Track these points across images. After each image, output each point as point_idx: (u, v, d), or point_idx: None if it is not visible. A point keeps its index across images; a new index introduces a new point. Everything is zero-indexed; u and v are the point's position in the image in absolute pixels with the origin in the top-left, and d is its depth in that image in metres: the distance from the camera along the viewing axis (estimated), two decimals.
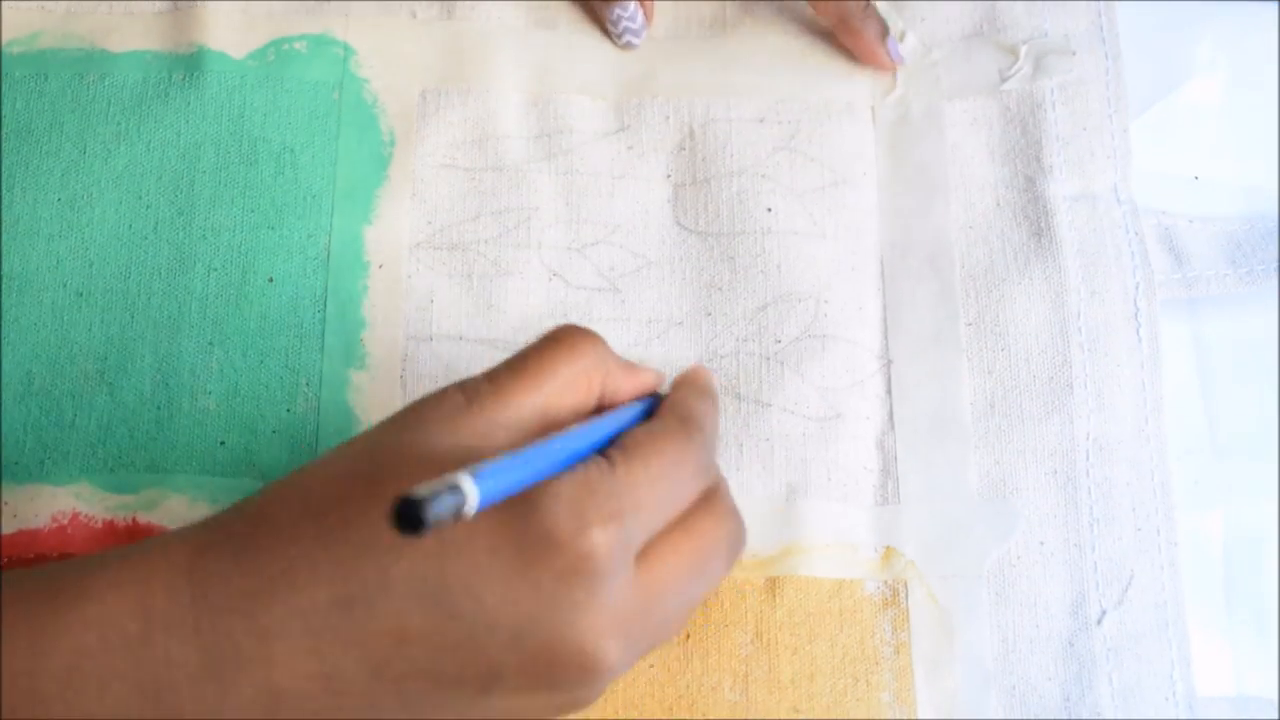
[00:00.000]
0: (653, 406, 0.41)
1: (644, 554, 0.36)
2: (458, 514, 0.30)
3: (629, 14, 0.53)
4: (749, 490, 0.48)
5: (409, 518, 0.29)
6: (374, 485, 0.35)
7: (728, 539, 0.39)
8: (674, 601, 0.37)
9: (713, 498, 0.39)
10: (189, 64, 0.52)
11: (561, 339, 0.39)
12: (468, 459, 0.34)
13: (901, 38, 0.54)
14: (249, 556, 0.35)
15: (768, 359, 0.49)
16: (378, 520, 0.34)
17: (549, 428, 0.38)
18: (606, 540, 0.34)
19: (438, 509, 0.29)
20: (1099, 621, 0.46)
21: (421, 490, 0.29)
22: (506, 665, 0.34)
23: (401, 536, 0.29)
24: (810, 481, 0.48)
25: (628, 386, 0.40)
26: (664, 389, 0.42)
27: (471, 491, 0.30)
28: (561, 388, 0.38)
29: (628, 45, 0.53)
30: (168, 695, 0.34)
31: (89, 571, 0.36)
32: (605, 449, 0.37)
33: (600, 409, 0.40)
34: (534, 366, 0.38)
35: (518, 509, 0.34)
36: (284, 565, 0.34)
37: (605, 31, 0.54)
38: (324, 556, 0.34)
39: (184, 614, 0.34)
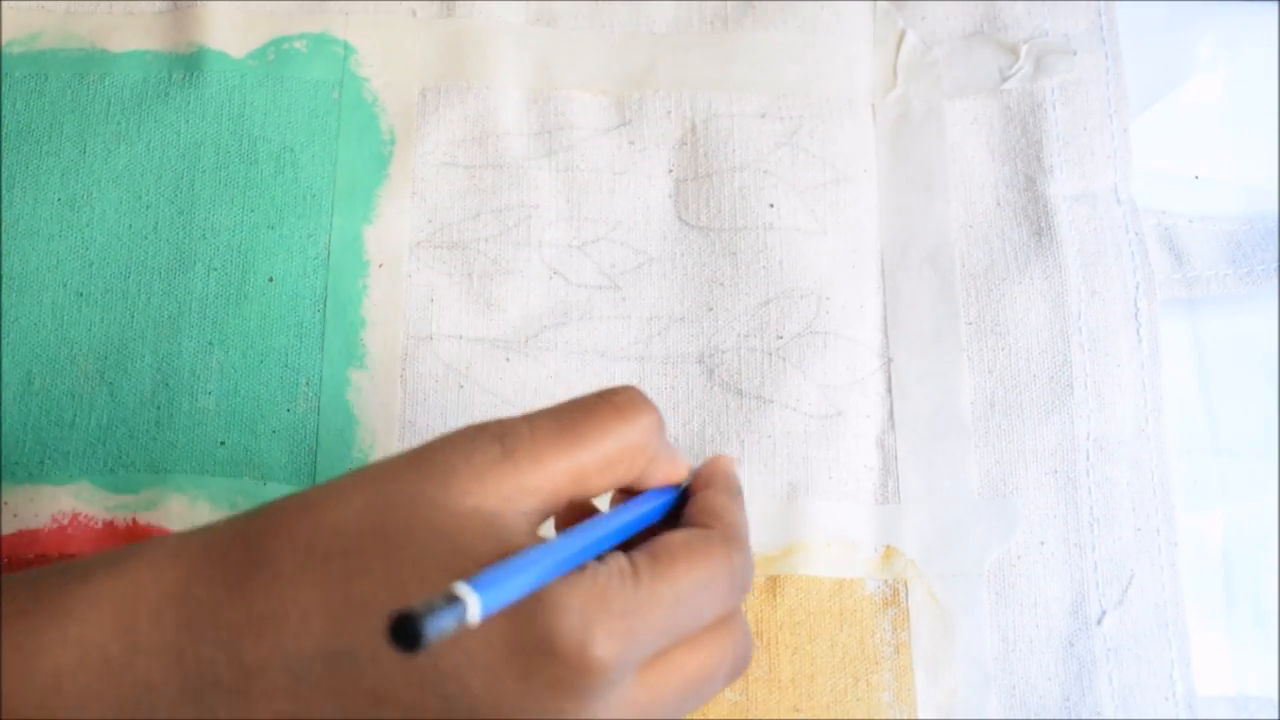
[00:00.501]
0: (677, 498, 0.38)
1: (646, 664, 0.34)
2: (460, 626, 0.28)
3: None
4: (750, 488, 0.48)
5: (406, 634, 0.27)
6: (383, 543, 0.33)
7: (733, 662, 0.36)
8: (665, 714, 0.35)
9: (729, 616, 0.36)
10: (189, 64, 0.52)
11: (619, 404, 0.36)
12: (487, 531, 0.32)
13: (902, 37, 0.54)
14: (241, 591, 0.33)
15: (769, 355, 0.49)
16: (379, 582, 0.33)
17: (578, 497, 0.36)
18: (610, 656, 0.32)
19: (436, 625, 0.27)
20: (1099, 621, 0.46)
21: (419, 607, 0.27)
22: None
23: (398, 653, 0.27)
24: (811, 480, 0.48)
25: (661, 473, 0.38)
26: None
27: (473, 604, 0.29)
28: (603, 461, 0.35)
29: None
30: (146, 718, 0.34)
31: (72, 585, 0.34)
32: (632, 554, 0.34)
33: (629, 490, 0.38)
34: (581, 427, 0.35)
35: (524, 607, 0.32)
36: (276, 607, 0.33)
37: None
38: (318, 608, 0.33)
39: (168, 640, 0.33)
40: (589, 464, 0.35)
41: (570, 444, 0.35)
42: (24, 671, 0.34)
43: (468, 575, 0.30)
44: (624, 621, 0.32)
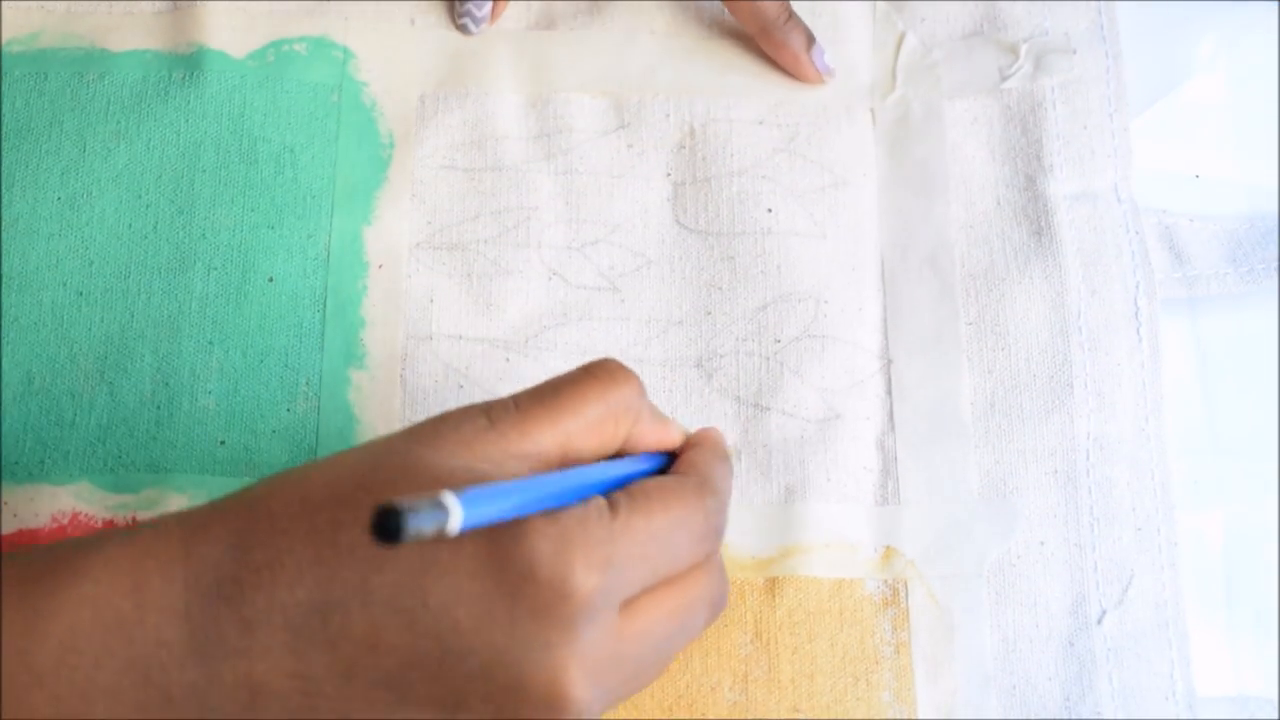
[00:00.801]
0: (666, 463, 0.40)
1: (628, 602, 0.35)
2: (439, 531, 0.29)
3: (480, 8, 0.53)
4: (749, 491, 0.48)
5: (387, 527, 0.28)
6: (370, 491, 0.34)
7: (711, 598, 0.38)
8: (652, 653, 0.36)
9: (707, 560, 0.38)
10: (189, 63, 0.52)
11: (598, 374, 0.38)
12: (474, 482, 0.33)
13: (901, 39, 0.54)
14: (240, 544, 0.35)
15: (767, 359, 0.49)
16: (365, 527, 0.34)
17: (567, 463, 0.37)
18: (589, 585, 0.33)
19: (417, 522, 0.28)
20: (1099, 621, 0.46)
21: (404, 502, 0.28)
22: (473, 693, 0.34)
23: (378, 544, 0.28)
24: (810, 481, 0.48)
25: (652, 437, 0.39)
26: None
27: (456, 510, 0.29)
28: (587, 426, 0.37)
29: (463, 29, 0.53)
30: (157, 675, 0.34)
31: (86, 551, 0.36)
32: (611, 493, 0.36)
33: (620, 455, 0.39)
34: (564, 398, 0.37)
35: (505, 538, 0.33)
36: (270, 557, 0.34)
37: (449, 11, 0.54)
38: (309, 555, 0.34)
39: (176, 596, 0.34)
40: (573, 429, 0.37)
41: (553, 411, 0.37)
42: (41, 630, 0.34)
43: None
44: (601, 551, 0.33)
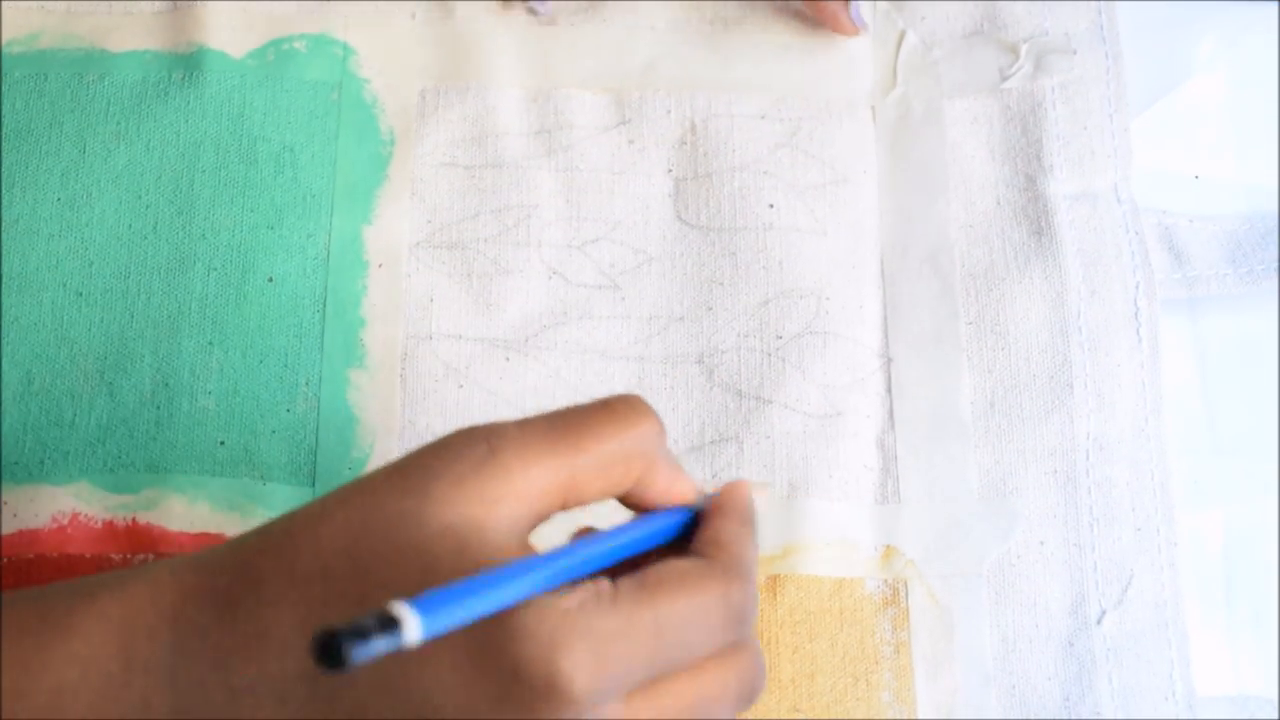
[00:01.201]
0: (684, 524, 0.36)
1: (635, 692, 0.32)
2: (396, 648, 0.27)
3: None
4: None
5: (329, 655, 0.26)
6: (355, 565, 0.33)
7: (739, 691, 0.34)
8: None
9: (738, 645, 0.34)
10: (188, 64, 0.52)
11: (616, 409, 0.34)
12: (462, 547, 0.32)
13: (902, 37, 0.54)
14: (229, 613, 0.34)
15: (769, 355, 0.49)
16: (353, 604, 0.32)
17: (571, 504, 0.34)
18: (581, 683, 0.30)
19: (363, 649, 0.26)
20: (1099, 621, 0.46)
21: (343, 626, 0.26)
22: None
23: (323, 673, 0.27)
24: (811, 480, 0.48)
25: (663, 486, 0.36)
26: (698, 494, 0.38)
27: (412, 624, 0.27)
28: (596, 466, 0.34)
29: (531, 11, 0.53)
30: None
31: (78, 602, 0.35)
32: (620, 577, 0.32)
33: (627, 500, 0.36)
34: (575, 431, 0.34)
35: (488, 629, 0.31)
36: (261, 629, 0.33)
37: None
38: (299, 631, 0.33)
39: (163, 661, 0.34)
40: (580, 467, 0.34)
41: (561, 445, 0.34)
42: (27, 688, 0.34)
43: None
44: (597, 646, 0.31)
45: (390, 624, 0.27)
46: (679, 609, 0.32)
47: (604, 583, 0.32)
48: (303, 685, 0.33)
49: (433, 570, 0.32)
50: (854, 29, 0.53)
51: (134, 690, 0.34)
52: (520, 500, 0.33)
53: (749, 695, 0.34)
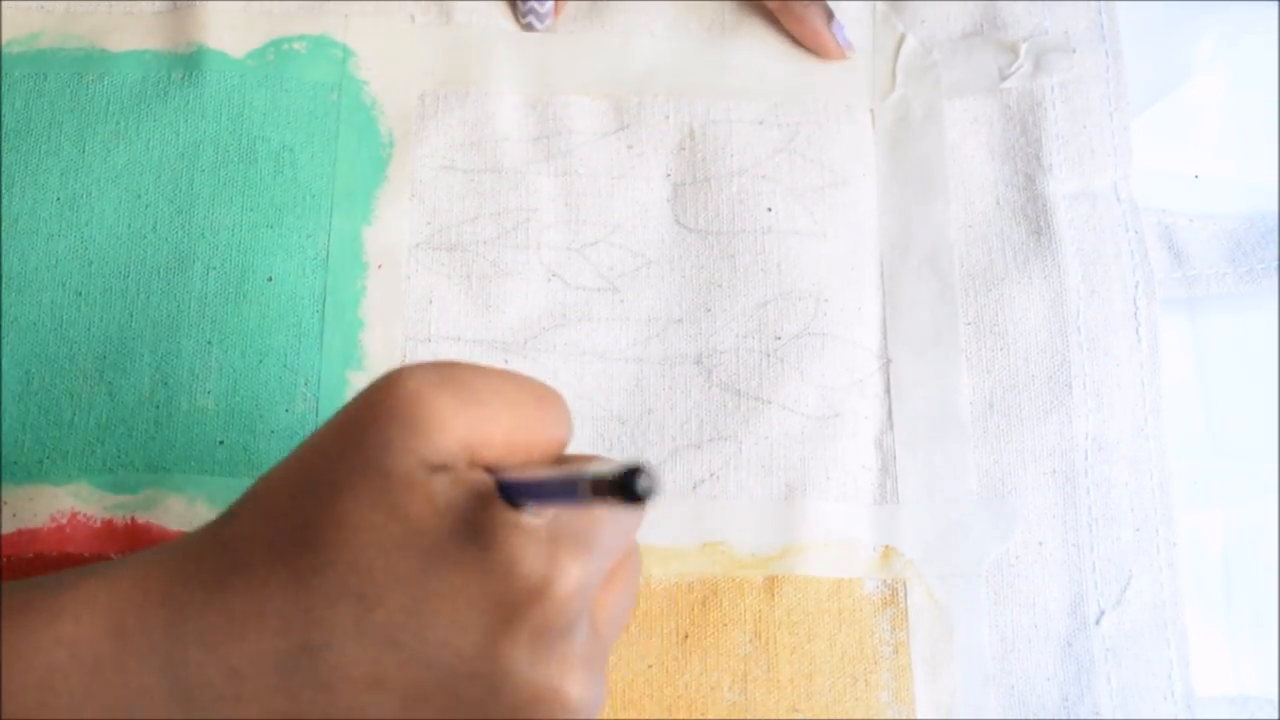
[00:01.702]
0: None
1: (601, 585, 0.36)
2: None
3: (543, 5, 0.53)
4: (748, 488, 0.48)
5: (627, 488, 0.29)
6: (336, 531, 0.33)
7: (639, 563, 0.38)
8: (615, 629, 0.37)
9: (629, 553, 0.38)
10: (188, 63, 0.52)
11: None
12: (429, 489, 0.33)
13: (901, 40, 0.54)
14: (221, 594, 0.34)
15: (768, 355, 0.49)
16: (341, 573, 0.33)
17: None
18: (578, 588, 0.33)
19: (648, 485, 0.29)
20: (1098, 621, 0.46)
21: (633, 467, 0.29)
22: (480, 715, 0.34)
23: (628, 506, 0.29)
24: (809, 480, 0.48)
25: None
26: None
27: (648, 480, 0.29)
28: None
29: (528, 26, 0.53)
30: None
31: (63, 589, 0.35)
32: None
33: None
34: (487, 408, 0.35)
35: (490, 558, 0.33)
36: (255, 607, 0.33)
37: (512, 10, 0.54)
38: (294, 604, 0.33)
39: (156, 643, 0.34)
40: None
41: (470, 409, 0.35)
42: (20, 670, 0.34)
43: (422, 550, 0.32)
44: (584, 546, 0.33)
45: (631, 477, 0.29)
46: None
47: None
48: (305, 657, 0.33)
49: (408, 515, 0.33)
50: (840, 52, 0.53)
51: (128, 673, 0.34)
52: (463, 452, 0.34)
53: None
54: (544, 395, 0.36)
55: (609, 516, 0.34)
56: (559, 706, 0.34)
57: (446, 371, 0.34)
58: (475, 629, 0.33)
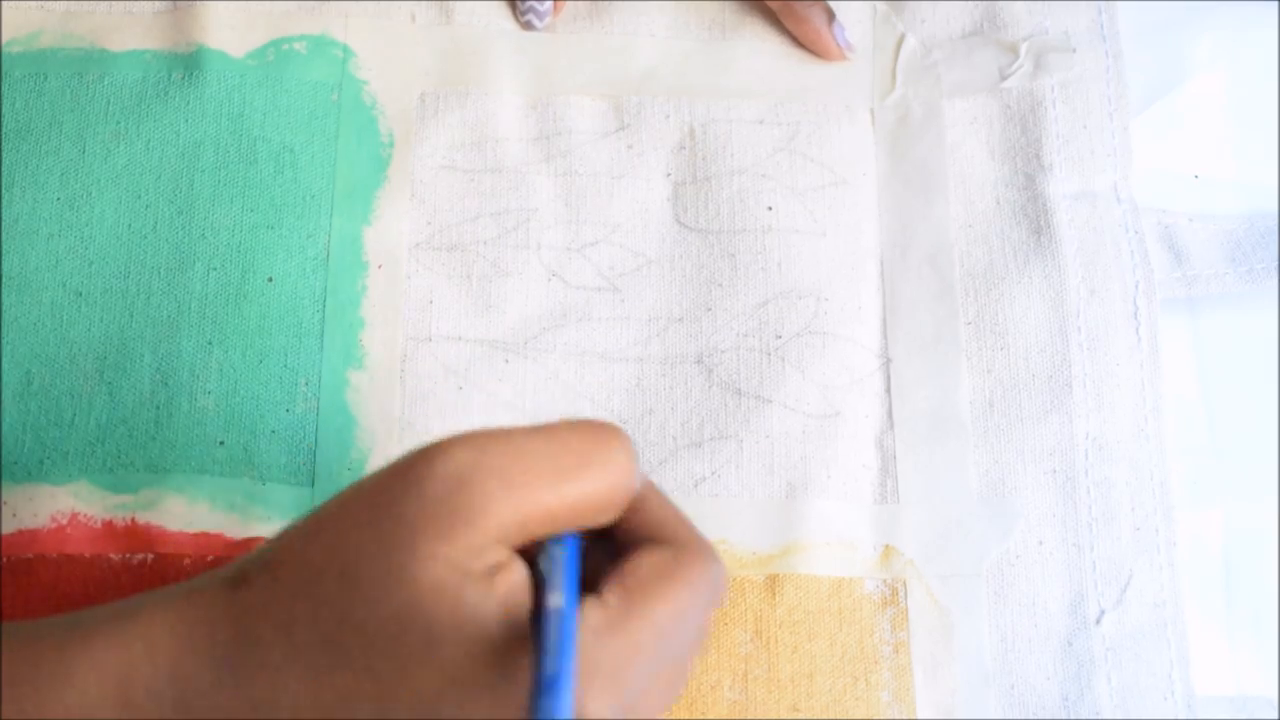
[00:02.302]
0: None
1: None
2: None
3: (543, 4, 0.53)
4: (749, 487, 0.48)
5: None
6: (359, 635, 0.32)
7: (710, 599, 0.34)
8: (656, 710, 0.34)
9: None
10: (188, 63, 0.52)
11: (591, 456, 0.33)
12: (458, 599, 0.31)
13: (901, 40, 0.54)
14: (233, 674, 0.33)
15: (768, 355, 0.49)
16: (360, 672, 0.32)
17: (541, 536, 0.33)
18: (605, 709, 0.30)
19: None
20: (1098, 621, 0.46)
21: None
22: None
23: None
24: (810, 479, 0.48)
25: (654, 521, 0.35)
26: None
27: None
28: (570, 513, 0.33)
29: (527, 25, 0.53)
30: None
31: (72, 648, 0.34)
32: (603, 590, 0.32)
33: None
34: (548, 471, 0.33)
35: (512, 693, 0.31)
36: (268, 695, 0.32)
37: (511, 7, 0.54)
38: (307, 700, 0.32)
39: (165, 718, 0.33)
40: (553, 512, 0.33)
41: (534, 482, 0.33)
42: None
43: (442, 669, 0.30)
44: (613, 680, 0.31)
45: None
46: (673, 609, 0.32)
47: (596, 609, 0.32)
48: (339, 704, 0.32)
49: (431, 630, 0.31)
50: (840, 54, 0.53)
51: None
52: (500, 543, 0.32)
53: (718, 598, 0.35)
54: (588, 449, 0.33)
55: (642, 647, 0.31)
56: None
57: (484, 448, 0.32)
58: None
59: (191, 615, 0.34)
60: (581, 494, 0.33)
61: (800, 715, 0.45)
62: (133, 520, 0.46)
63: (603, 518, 0.34)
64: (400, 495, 0.32)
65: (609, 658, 0.31)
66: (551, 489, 0.32)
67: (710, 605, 0.33)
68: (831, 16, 0.53)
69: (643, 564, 0.33)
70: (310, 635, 0.32)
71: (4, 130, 0.50)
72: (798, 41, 0.54)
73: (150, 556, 0.45)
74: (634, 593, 0.32)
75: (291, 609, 0.32)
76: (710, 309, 0.50)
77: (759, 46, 0.54)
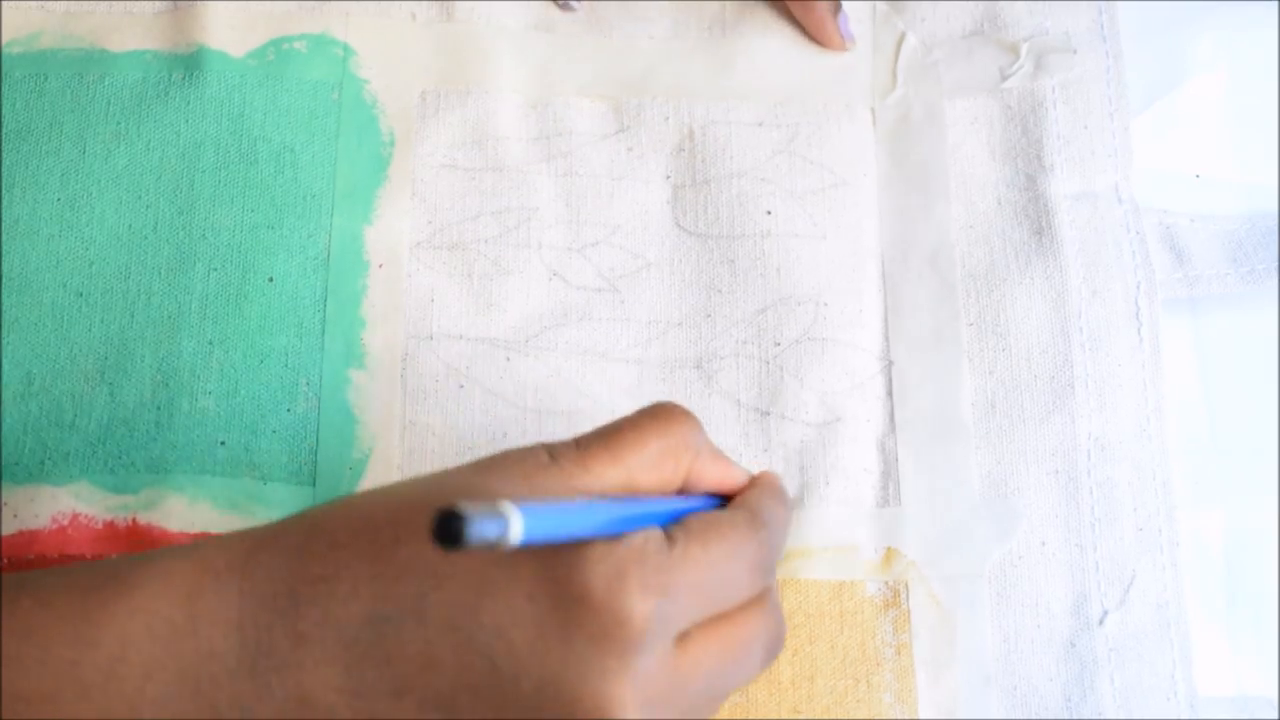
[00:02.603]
0: (723, 504, 0.40)
1: (683, 635, 0.35)
2: (500, 540, 0.29)
3: None
4: None
5: (448, 530, 0.28)
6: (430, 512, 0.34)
7: (767, 638, 0.38)
8: (705, 687, 0.36)
9: (763, 596, 0.38)
10: (189, 63, 0.52)
11: (658, 414, 0.38)
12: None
13: (902, 39, 0.54)
14: (297, 558, 0.35)
15: (767, 363, 0.49)
16: (423, 546, 0.34)
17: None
18: (645, 611, 0.33)
19: (478, 529, 0.28)
20: (1100, 622, 0.46)
21: (466, 507, 0.28)
22: (522, 716, 0.34)
23: (438, 548, 0.29)
24: (811, 485, 0.48)
25: (712, 475, 0.39)
26: None
27: (516, 521, 0.29)
28: (647, 462, 0.37)
29: (565, 7, 0.54)
30: (207, 687, 0.35)
31: (139, 564, 0.36)
32: (668, 526, 0.36)
33: (682, 493, 0.39)
34: (625, 435, 0.37)
35: (562, 562, 0.33)
36: (328, 571, 0.34)
37: None
38: (366, 570, 0.34)
39: (229, 607, 0.35)
40: (634, 464, 0.37)
41: (613, 448, 0.37)
42: (91, 640, 0.35)
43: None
44: (657, 579, 0.33)
45: (498, 516, 0.29)
46: (722, 549, 0.36)
47: (657, 529, 0.35)
48: (368, 629, 0.34)
49: None
50: (841, 43, 0.53)
51: (199, 639, 0.35)
52: (583, 495, 0.36)
53: (774, 647, 0.38)
54: (668, 441, 0.37)
55: (695, 557, 0.35)
56: None
57: (569, 443, 0.37)
58: (529, 624, 0.33)
59: (265, 527, 0.37)
60: (636, 463, 0.37)
61: (802, 717, 0.45)
62: (134, 521, 0.46)
63: (671, 474, 0.38)
64: (489, 464, 0.36)
65: (655, 559, 0.34)
66: (614, 456, 0.37)
67: (758, 562, 0.37)
68: (838, 7, 0.53)
69: (704, 516, 0.37)
70: (382, 519, 0.35)
71: (4, 131, 0.50)
72: (798, 37, 0.54)
73: None
74: (689, 526, 0.36)
75: (373, 501, 0.36)
76: (710, 315, 0.50)
77: (757, 46, 0.54)
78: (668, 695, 0.34)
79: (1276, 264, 0.50)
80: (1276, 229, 0.51)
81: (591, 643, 0.33)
